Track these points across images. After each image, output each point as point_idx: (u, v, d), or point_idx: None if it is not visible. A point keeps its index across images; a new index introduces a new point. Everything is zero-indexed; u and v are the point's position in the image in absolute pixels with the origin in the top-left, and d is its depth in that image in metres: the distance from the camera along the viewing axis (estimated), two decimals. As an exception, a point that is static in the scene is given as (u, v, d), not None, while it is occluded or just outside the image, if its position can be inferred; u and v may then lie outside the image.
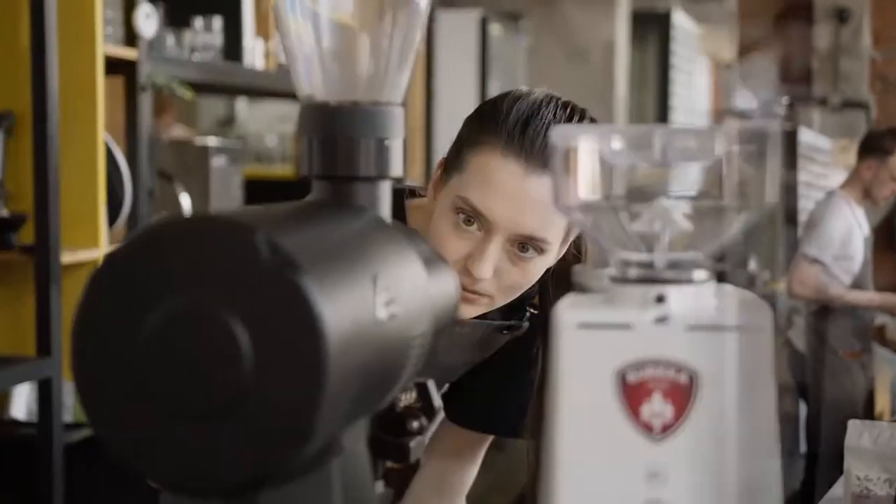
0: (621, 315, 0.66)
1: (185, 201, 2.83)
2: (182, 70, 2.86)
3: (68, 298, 2.31)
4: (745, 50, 10.07)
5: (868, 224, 4.32)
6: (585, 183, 0.69)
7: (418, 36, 0.79)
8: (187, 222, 0.61)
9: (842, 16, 9.44)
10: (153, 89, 2.65)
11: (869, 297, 4.34)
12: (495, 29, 5.69)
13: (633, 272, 0.68)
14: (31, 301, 2.31)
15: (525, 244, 1.23)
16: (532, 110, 1.23)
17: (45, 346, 2.28)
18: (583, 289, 0.78)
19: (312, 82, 0.77)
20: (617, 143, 0.68)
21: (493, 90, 5.96)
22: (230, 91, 3.38)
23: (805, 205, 6.74)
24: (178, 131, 4.34)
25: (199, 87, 3.08)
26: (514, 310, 1.37)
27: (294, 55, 0.78)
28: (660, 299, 0.66)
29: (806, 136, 6.72)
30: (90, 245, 2.42)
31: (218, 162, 2.92)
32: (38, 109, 2.30)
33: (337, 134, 0.75)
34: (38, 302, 2.27)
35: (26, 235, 2.33)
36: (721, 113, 9.38)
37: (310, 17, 0.77)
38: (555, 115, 1.24)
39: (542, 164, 1.20)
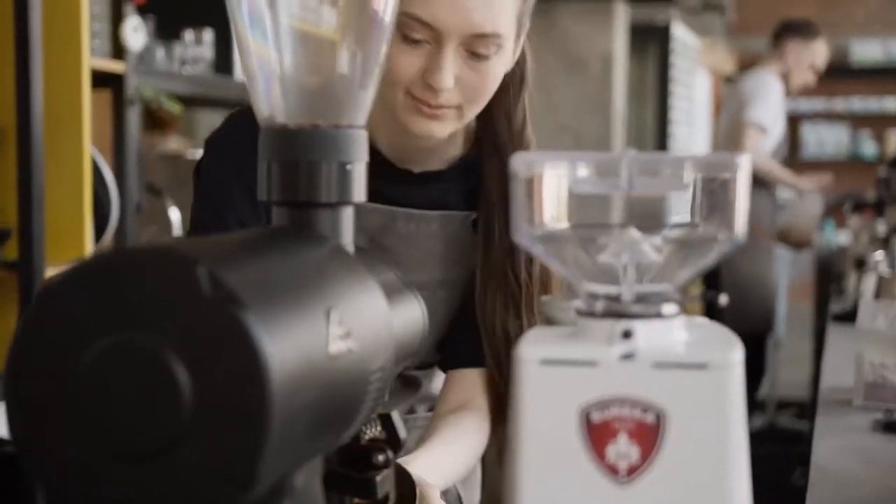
0: (586, 351, 0.63)
1: (175, 215, 2.80)
2: (171, 83, 2.83)
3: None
4: (745, 64, 10.08)
5: None
6: (549, 212, 0.66)
7: (382, 54, 0.77)
8: (128, 253, 0.58)
9: None
10: (141, 103, 2.62)
11: (793, 177, 4.59)
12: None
13: (600, 305, 0.65)
14: (14, 317, 2.28)
15: (478, 48, 1.19)
16: None
17: (29, 362, 2.24)
18: (550, 321, 0.75)
19: (272, 104, 0.75)
20: (582, 171, 0.65)
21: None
22: (220, 104, 3.36)
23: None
24: (173, 143, 4.32)
25: (190, 101, 3.05)
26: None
27: (253, 75, 0.75)
28: (626, 335, 0.63)
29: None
30: (76, 260, 2.39)
31: (209, 175, 2.87)
32: (23, 122, 2.27)
33: (297, 158, 0.73)
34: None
35: (10, 251, 2.30)
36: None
37: (270, 35, 0.74)
38: None
39: None
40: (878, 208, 4.19)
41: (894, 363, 1.76)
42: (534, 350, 0.64)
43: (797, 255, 5.81)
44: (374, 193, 1.28)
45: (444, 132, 1.25)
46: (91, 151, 2.43)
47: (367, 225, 1.32)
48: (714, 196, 0.64)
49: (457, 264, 1.34)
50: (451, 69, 1.19)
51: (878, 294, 2.69)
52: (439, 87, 1.18)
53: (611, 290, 0.66)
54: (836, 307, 3.32)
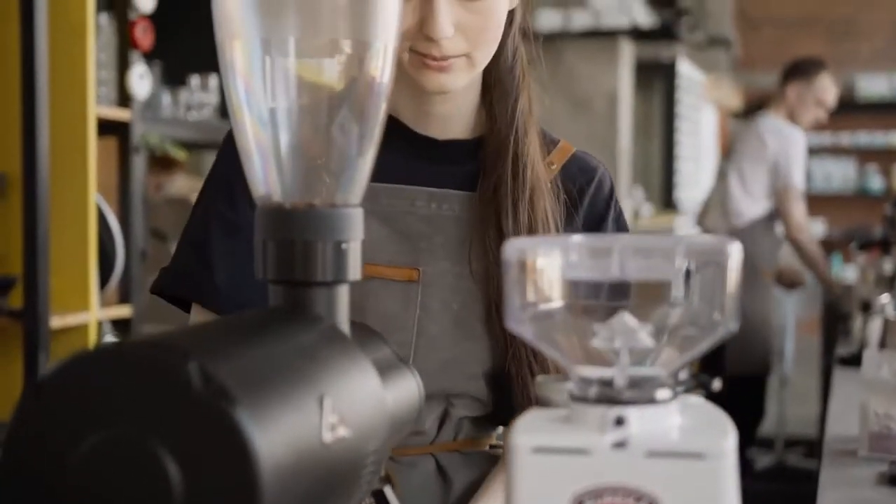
0: (578, 439, 0.63)
1: (180, 260, 2.79)
2: (177, 130, 2.85)
3: (56, 364, 2.28)
4: (751, 99, 10.11)
5: None
6: (541, 296, 0.66)
7: (377, 134, 0.77)
8: (119, 348, 0.59)
9: None
10: (147, 150, 2.64)
11: (831, 279, 4.66)
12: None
13: (593, 391, 0.65)
14: (19, 366, 2.28)
15: None
16: None
17: (33, 410, 2.23)
18: (543, 401, 0.75)
19: (268, 183, 0.75)
20: (574, 256, 0.66)
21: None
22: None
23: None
24: (180, 182, 4.33)
25: (196, 145, 3.07)
26: None
27: (249, 154, 0.75)
28: (619, 422, 0.63)
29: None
30: (81, 308, 2.40)
31: (215, 219, 2.87)
32: (29, 171, 2.28)
33: (293, 237, 0.73)
34: (25, 368, 2.24)
35: (15, 299, 2.31)
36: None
37: (266, 116, 0.75)
38: None
39: None
40: (885, 246, 4.18)
41: (900, 414, 1.75)
42: (527, 438, 0.63)
43: (801, 292, 5.81)
44: (392, 170, 1.25)
45: (458, 84, 1.18)
46: (96, 199, 2.44)
47: (384, 209, 1.23)
48: (706, 281, 0.64)
49: (488, 253, 1.22)
50: (446, 16, 1.13)
51: (885, 337, 2.68)
52: (437, 36, 1.13)
53: (604, 373, 0.66)
54: (842, 350, 3.31)
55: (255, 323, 0.69)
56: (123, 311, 2.60)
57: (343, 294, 0.75)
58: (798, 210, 4.34)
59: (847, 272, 8.37)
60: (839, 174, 10.28)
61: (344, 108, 0.76)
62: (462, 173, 1.26)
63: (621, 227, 1.31)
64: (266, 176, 0.75)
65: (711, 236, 0.67)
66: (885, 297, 2.94)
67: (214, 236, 1.22)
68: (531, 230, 1.20)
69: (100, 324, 2.51)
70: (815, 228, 10.35)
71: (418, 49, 1.15)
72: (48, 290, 2.28)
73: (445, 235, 1.23)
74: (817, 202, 10.52)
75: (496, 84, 1.26)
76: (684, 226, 6.89)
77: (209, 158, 4.95)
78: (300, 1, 0.74)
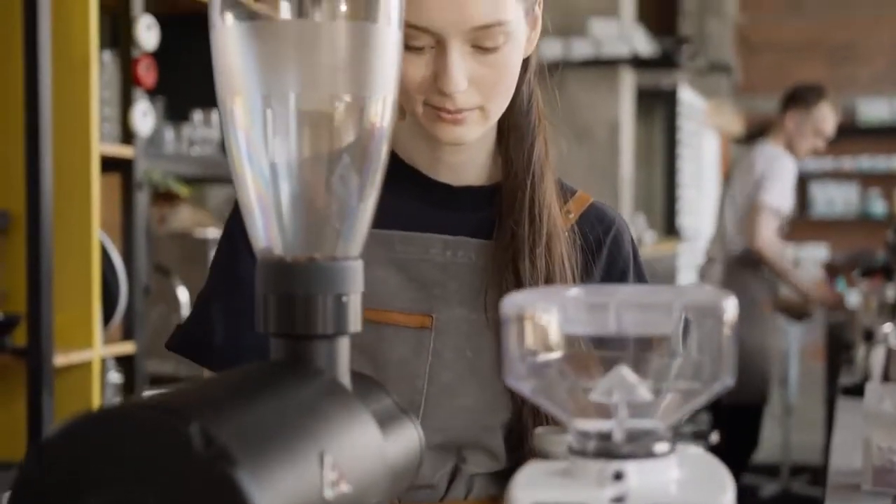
0: (577, 494, 0.63)
1: (183, 295, 2.82)
2: (179, 165, 2.86)
3: (61, 402, 2.29)
4: (753, 124, 10.14)
5: None
6: (539, 351, 0.67)
7: (377, 183, 0.77)
8: (120, 410, 0.59)
9: None
10: (150, 186, 2.65)
11: (800, 282, 4.56)
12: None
13: (591, 445, 0.66)
14: (23, 405, 2.28)
15: (484, 41, 1.12)
16: None
17: (37, 449, 2.24)
18: (543, 455, 0.76)
19: (269, 237, 0.76)
20: (571, 311, 0.66)
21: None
22: (229, 181, 3.36)
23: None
24: (184, 214, 4.34)
25: (199, 180, 3.09)
26: None
27: (250, 208, 0.76)
28: (618, 476, 0.64)
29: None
30: (84, 346, 2.41)
31: (218, 253, 2.89)
32: (32, 209, 2.29)
33: (294, 291, 0.74)
34: (29, 407, 2.25)
35: (19, 337, 2.31)
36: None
37: (267, 172, 0.75)
38: None
39: None
40: (888, 273, 4.17)
41: (903, 447, 1.74)
42: (526, 492, 0.64)
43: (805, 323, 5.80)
44: (407, 217, 1.24)
45: (473, 136, 1.17)
46: (99, 236, 2.45)
47: (398, 256, 1.22)
48: (703, 335, 0.65)
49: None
50: (460, 70, 1.12)
51: (888, 368, 2.67)
52: (451, 90, 1.12)
53: (602, 426, 0.66)
54: (845, 379, 3.30)
55: (257, 378, 0.70)
56: (127, 348, 2.61)
57: (344, 346, 0.75)
58: (766, 226, 4.26)
59: (851, 297, 8.35)
60: (841, 198, 10.30)
61: (344, 159, 0.77)
62: (477, 220, 1.25)
63: (641, 280, 1.30)
64: (267, 229, 0.76)
65: (709, 289, 0.68)
66: (888, 327, 2.93)
67: (216, 295, 1.24)
68: (549, 277, 1.19)
69: (104, 361, 2.52)
70: (817, 253, 10.38)
71: (432, 102, 1.15)
72: (52, 328, 2.28)
73: (460, 282, 1.22)
74: (820, 226, 10.56)
75: (511, 130, 1.26)
76: (687, 252, 6.89)
77: (212, 192, 4.97)
78: (300, 57, 0.75)
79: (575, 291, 0.68)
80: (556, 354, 0.67)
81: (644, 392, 0.66)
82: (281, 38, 0.76)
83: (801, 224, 10.48)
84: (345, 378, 0.75)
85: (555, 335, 0.67)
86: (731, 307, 0.65)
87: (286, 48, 0.75)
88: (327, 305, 0.74)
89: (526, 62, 1.24)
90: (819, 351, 5.83)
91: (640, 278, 1.29)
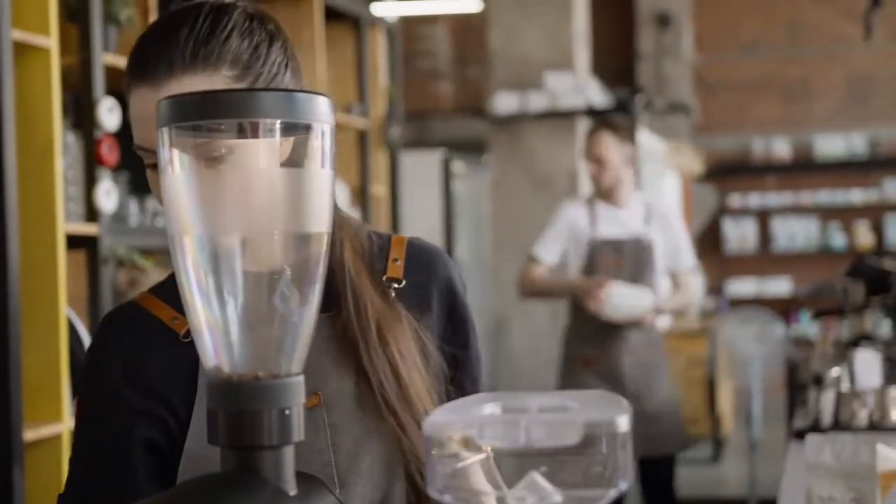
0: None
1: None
2: (144, 238, 2.94)
3: (32, 477, 2.34)
4: (713, 163, 10.29)
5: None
6: (458, 461, 0.75)
7: (315, 308, 0.86)
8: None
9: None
10: (114, 260, 2.72)
11: (568, 281, 4.10)
12: (458, 166, 5.85)
13: (507, 545, 0.74)
14: (-8, 479, 2.34)
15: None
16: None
17: (7, 525, 2.30)
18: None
19: (218, 357, 0.84)
20: (487, 429, 0.75)
21: (459, 224, 6.09)
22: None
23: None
24: (154, 276, 4.39)
25: (164, 251, 3.16)
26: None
27: (199, 331, 0.84)
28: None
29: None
30: (53, 419, 2.47)
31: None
32: (0, 287, 2.36)
33: (241, 407, 0.82)
34: (0, 483, 2.31)
35: (-12, 414, 2.38)
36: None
37: (214, 301, 0.84)
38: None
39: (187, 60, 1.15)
40: (842, 314, 4.26)
41: (842, 497, 1.81)
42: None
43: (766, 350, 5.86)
44: None
45: None
46: (66, 312, 2.52)
47: None
48: (599, 449, 0.74)
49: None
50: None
51: (838, 410, 2.75)
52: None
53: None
54: (798, 422, 3.38)
55: (206, 492, 0.78)
56: (96, 417, 2.65)
57: (288, 454, 0.84)
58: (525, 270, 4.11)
59: (813, 329, 8.48)
60: (802, 233, 10.48)
61: (283, 284, 0.86)
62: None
63: (466, 317, 1.35)
64: (216, 350, 0.84)
65: (606, 407, 0.76)
66: (836, 371, 2.99)
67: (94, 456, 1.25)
68: (393, 365, 1.24)
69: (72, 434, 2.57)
70: (781, 286, 10.53)
71: None
72: (21, 403, 2.35)
73: (332, 356, 1.26)
74: (782, 260, 10.73)
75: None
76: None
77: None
78: (242, 202, 0.84)
79: (489, 408, 0.77)
80: (473, 468, 0.76)
81: (555, 496, 0.74)
82: (224, 183, 0.85)
83: (764, 258, 10.66)
84: (289, 484, 0.83)
85: (473, 450, 0.75)
86: (623, 423, 0.73)
87: (229, 192, 0.84)
88: (272, 419, 0.82)
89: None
90: (780, 385, 5.93)
91: (465, 318, 1.34)
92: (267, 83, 1.20)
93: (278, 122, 0.83)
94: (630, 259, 4.02)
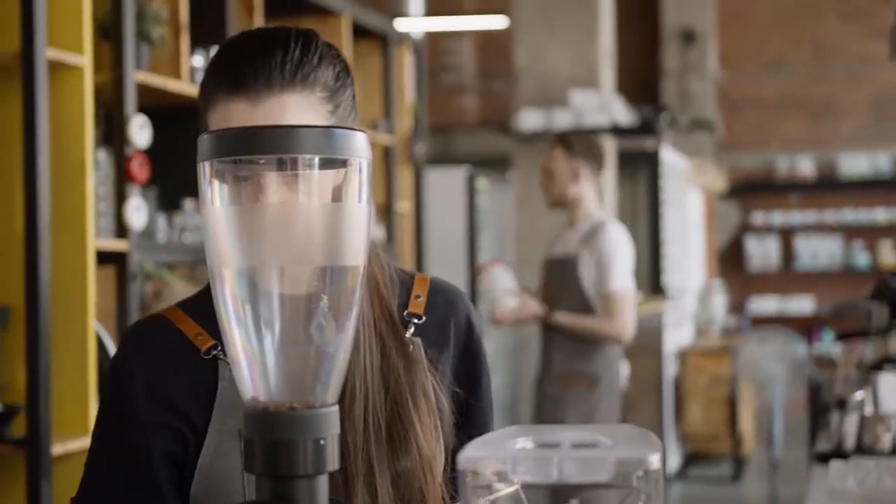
0: None
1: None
2: (172, 253, 2.96)
3: (60, 491, 2.37)
4: (736, 181, 10.28)
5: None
6: (492, 498, 0.77)
7: (348, 345, 0.88)
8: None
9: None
10: (143, 276, 2.75)
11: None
12: (482, 182, 5.86)
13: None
14: (22, 494, 2.37)
15: None
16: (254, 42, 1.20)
17: (36, 541, 2.33)
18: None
19: (255, 387, 0.86)
20: (519, 465, 0.76)
21: (483, 240, 6.10)
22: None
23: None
24: (179, 289, 4.42)
25: (191, 265, 3.19)
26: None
27: (238, 362, 0.86)
28: None
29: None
30: (82, 433, 2.49)
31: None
32: (31, 303, 2.39)
33: (277, 437, 0.84)
34: (28, 496, 2.33)
35: (18, 427, 2.40)
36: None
37: (252, 333, 0.86)
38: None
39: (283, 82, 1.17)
40: (866, 335, 4.24)
41: (866, 524, 1.82)
42: None
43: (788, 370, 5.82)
44: None
45: None
46: (95, 327, 2.55)
47: None
48: (630, 487, 0.75)
49: None
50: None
51: (861, 436, 2.75)
52: None
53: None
54: (822, 444, 3.37)
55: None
56: (122, 432, 2.68)
57: (323, 483, 0.85)
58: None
59: (835, 348, 8.44)
60: (825, 251, 10.44)
61: (320, 315, 0.88)
62: None
63: (481, 364, 1.36)
64: (253, 381, 0.86)
65: (639, 445, 0.78)
66: (860, 394, 2.99)
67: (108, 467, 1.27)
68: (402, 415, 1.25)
69: (100, 447, 2.59)
70: (803, 305, 10.50)
71: None
72: (50, 418, 2.38)
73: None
74: (805, 279, 10.69)
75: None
76: (672, 310, 6.99)
77: (204, 267, 5.07)
78: (281, 236, 0.86)
79: (521, 443, 0.78)
80: (505, 493, 0.77)
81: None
82: (263, 217, 0.87)
83: (787, 277, 10.63)
84: (323, 513, 0.85)
85: (506, 484, 0.77)
86: (655, 460, 0.75)
87: (269, 226, 0.86)
88: (307, 448, 0.84)
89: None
90: (802, 405, 5.92)
91: (481, 361, 1.36)
92: (347, 111, 1.23)
93: (317, 157, 0.84)
94: (551, 277, 3.97)
